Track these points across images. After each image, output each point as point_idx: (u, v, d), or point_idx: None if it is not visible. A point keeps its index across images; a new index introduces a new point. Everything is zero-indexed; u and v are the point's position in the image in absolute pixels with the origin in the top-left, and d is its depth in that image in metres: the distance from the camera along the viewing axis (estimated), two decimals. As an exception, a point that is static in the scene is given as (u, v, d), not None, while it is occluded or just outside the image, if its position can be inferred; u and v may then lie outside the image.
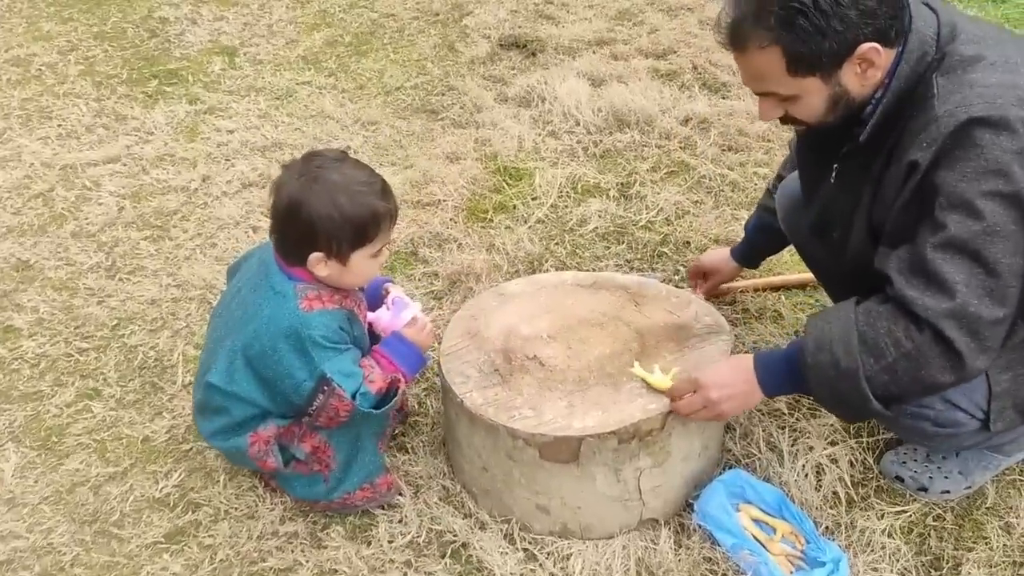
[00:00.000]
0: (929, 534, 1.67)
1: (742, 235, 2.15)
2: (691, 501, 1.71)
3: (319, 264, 1.55)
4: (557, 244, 2.63)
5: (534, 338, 1.78)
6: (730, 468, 1.77)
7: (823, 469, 1.76)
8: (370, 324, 1.74)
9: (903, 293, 1.27)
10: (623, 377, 1.66)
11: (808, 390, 1.41)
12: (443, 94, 3.64)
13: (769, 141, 3.13)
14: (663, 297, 1.90)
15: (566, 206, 2.82)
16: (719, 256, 2.10)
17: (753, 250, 2.06)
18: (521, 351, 1.74)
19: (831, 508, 1.71)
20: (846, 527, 1.67)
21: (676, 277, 2.43)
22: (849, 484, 1.74)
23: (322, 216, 1.50)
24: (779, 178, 1.90)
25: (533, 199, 2.86)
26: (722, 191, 2.85)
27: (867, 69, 1.26)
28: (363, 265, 1.59)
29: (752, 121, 3.24)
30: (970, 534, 1.67)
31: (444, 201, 2.85)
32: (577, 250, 2.60)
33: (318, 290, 1.59)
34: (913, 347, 1.25)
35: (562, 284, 1.97)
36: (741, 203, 2.79)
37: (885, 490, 1.76)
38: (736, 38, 1.31)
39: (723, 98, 3.44)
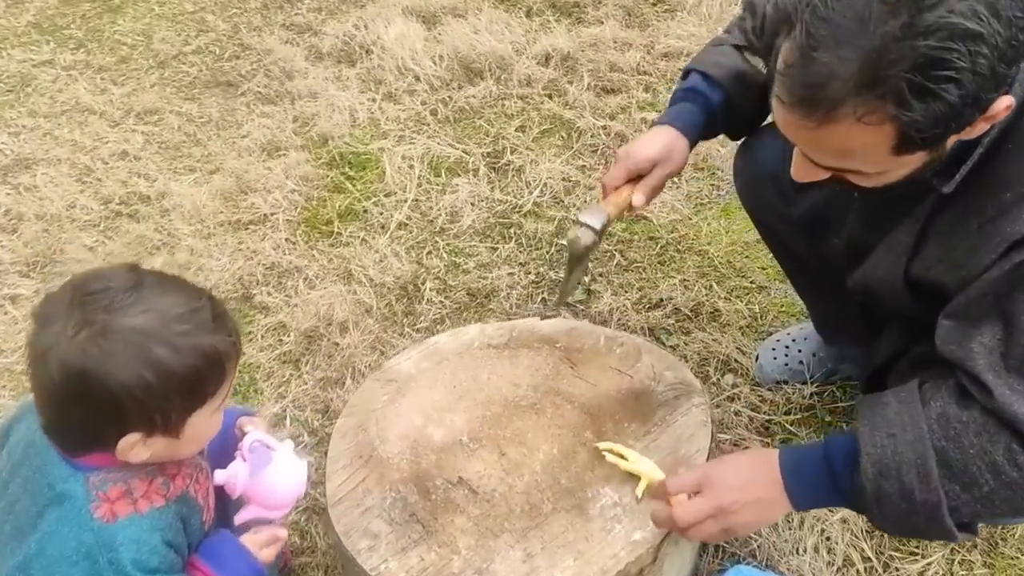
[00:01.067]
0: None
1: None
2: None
3: (135, 447, 1.04)
4: (431, 255, 2.17)
5: (452, 447, 1.35)
6: (726, 561, 1.45)
7: (832, 538, 1.48)
8: (221, 487, 1.23)
9: (1007, 405, 0.94)
10: (586, 491, 1.28)
11: (863, 514, 1.08)
12: (237, 57, 2.97)
13: (647, 74, 2.75)
14: (603, 348, 1.51)
15: (429, 197, 2.34)
16: (660, 139, 1.35)
17: (729, 112, 1.39)
18: (440, 474, 1.31)
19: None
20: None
21: (591, 281, 2.04)
22: (867, 547, 1.46)
23: (130, 386, 0.99)
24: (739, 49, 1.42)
25: (387, 195, 2.35)
26: (612, 152, 2.45)
27: (987, 122, 0.88)
28: (204, 426, 1.10)
29: (623, 51, 2.84)
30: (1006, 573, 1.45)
31: (272, 215, 2.29)
32: (458, 260, 2.15)
33: (125, 480, 1.08)
34: (1020, 475, 0.94)
35: (468, 350, 1.53)
36: (638, 164, 2.41)
37: (902, 544, 1.51)
38: (817, 103, 0.87)
39: (583, 24, 3.01)
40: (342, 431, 1.42)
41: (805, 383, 1.78)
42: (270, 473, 1.20)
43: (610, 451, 1.30)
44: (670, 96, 1.45)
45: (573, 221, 1.32)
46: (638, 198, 1.34)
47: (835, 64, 0.85)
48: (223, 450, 1.27)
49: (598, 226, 1.29)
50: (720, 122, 1.41)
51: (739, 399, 1.77)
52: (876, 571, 1.46)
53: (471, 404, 1.44)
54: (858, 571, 1.45)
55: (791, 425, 1.71)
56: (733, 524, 1.15)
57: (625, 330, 1.95)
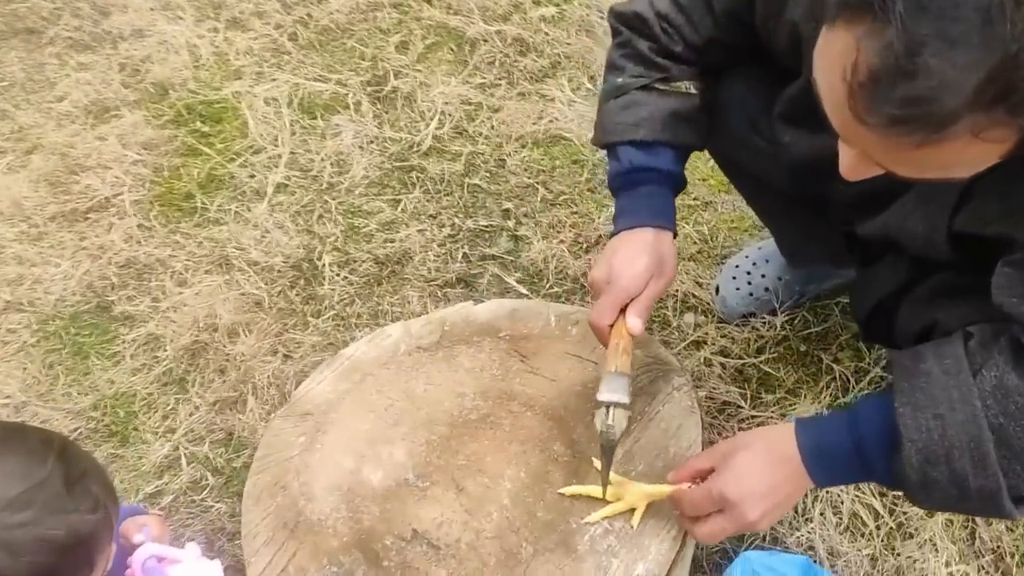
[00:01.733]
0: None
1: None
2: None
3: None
4: (323, 220, 1.88)
5: (397, 491, 1.14)
6: (726, 542, 1.31)
7: (838, 498, 1.36)
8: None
9: None
10: (568, 521, 1.10)
11: (901, 492, 0.95)
12: (33, -5, 2.48)
13: (536, -41, 2.42)
14: (555, 330, 1.30)
15: (307, 148, 2.01)
16: (643, 249, 1.15)
17: (686, 160, 1.26)
18: (389, 531, 1.10)
19: (867, 541, 1.31)
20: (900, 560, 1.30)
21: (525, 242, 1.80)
22: (875, 501, 1.34)
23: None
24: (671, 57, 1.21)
25: (254, 152, 2.02)
26: (514, 63, 2.16)
27: None
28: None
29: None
30: None
31: (116, 198, 1.94)
32: (356, 221, 1.87)
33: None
34: None
35: (394, 358, 1.29)
36: (544, 73, 2.14)
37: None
38: (919, 123, 0.68)
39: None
40: (254, 494, 1.17)
41: (774, 312, 1.61)
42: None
43: (579, 496, 1.11)
44: (607, 181, 1.23)
45: (594, 406, 1.07)
46: (636, 326, 1.12)
47: (949, 73, 0.64)
48: (116, 570, 1.00)
49: (628, 399, 1.06)
50: (683, 178, 1.23)
51: (706, 344, 1.60)
52: (886, 523, 1.34)
53: (411, 429, 1.21)
54: (869, 529, 1.33)
55: (767, 365, 1.55)
56: (759, 530, 1.02)
57: (564, 280, 1.73)
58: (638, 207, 1.20)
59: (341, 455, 1.19)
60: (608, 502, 1.09)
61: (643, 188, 1.20)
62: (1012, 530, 1.33)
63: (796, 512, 1.34)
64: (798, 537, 1.32)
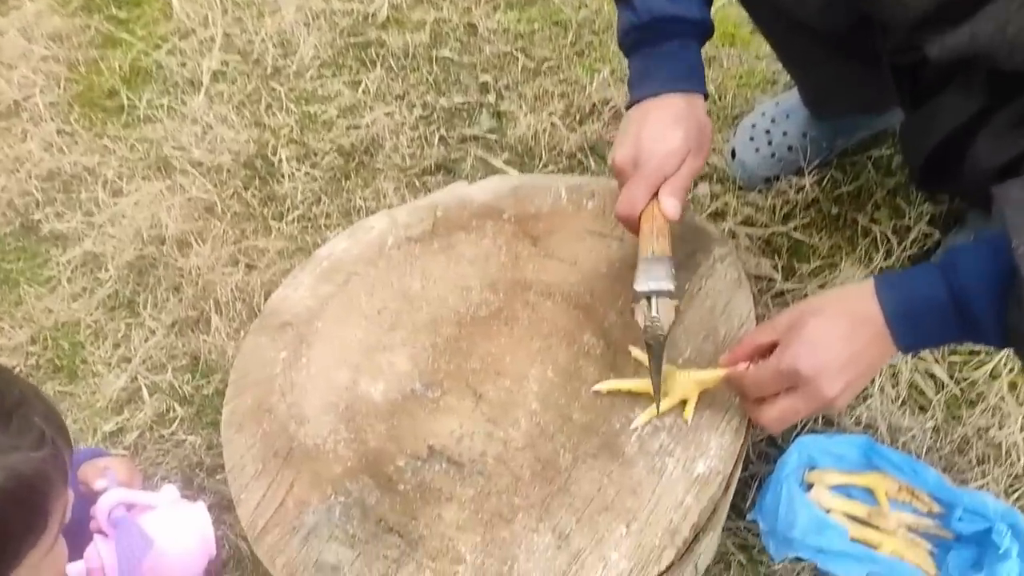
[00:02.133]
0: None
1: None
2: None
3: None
4: (272, 110, 1.67)
5: (405, 404, 1.00)
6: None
7: (896, 368, 1.24)
8: None
9: None
10: (611, 422, 0.97)
11: (1018, 351, 0.82)
12: None
13: None
14: (567, 206, 1.16)
15: (243, 26, 1.78)
16: (674, 118, 0.99)
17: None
18: (400, 450, 0.95)
19: (929, 413, 1.20)
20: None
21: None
22: (934, 364, 1.23)
23: None
24: None
25: (182, 37, 1.78)
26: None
27: None
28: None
29: None
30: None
31: (27, 100, 1.69)
32: (312, 109, 1.67)
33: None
34: None
35: (382, 253, 1.12)
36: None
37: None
38: None
39: None
40: (234, 422, 1.01)
41: (800, 173, 1.46)
42: (155, 556, 0.79)
43: (619, 391, 0.96)
44: (618, 37, 1.04)
45: (633, 299, 0.91)
46: (673, 209, 0.95)
47: None
48: (76, 526, 0.84)
49: (672, 285, 0.90)
50: (711, 26, 1.05)
51: (727, 215, 1.45)
52: (947, 388, 1.23)
53: (411, 332, 1.05)
54: (930, 400, 1.21)
55: (797, 232, 1.41)
56: (837, 408, 0.88)
57: (559, 157, 1.55)
58: (662, 68, 1.02)
59: (333, 369, 1.03)
60: (654, 401, 0.95)
61: (666, 44, 1.01)
62: (1084, 388, 1.23)
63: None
64: (855, 416, 1.20)
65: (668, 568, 0.87)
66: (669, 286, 0.89)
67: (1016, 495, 1.14)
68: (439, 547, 0.90)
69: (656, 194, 0.96)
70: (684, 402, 0.95)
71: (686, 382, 0.94)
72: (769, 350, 0.89)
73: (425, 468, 0.95)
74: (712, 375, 0.93)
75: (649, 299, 0.89)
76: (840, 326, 0.86)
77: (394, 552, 0.90)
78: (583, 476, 0.92)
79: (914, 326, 0.84)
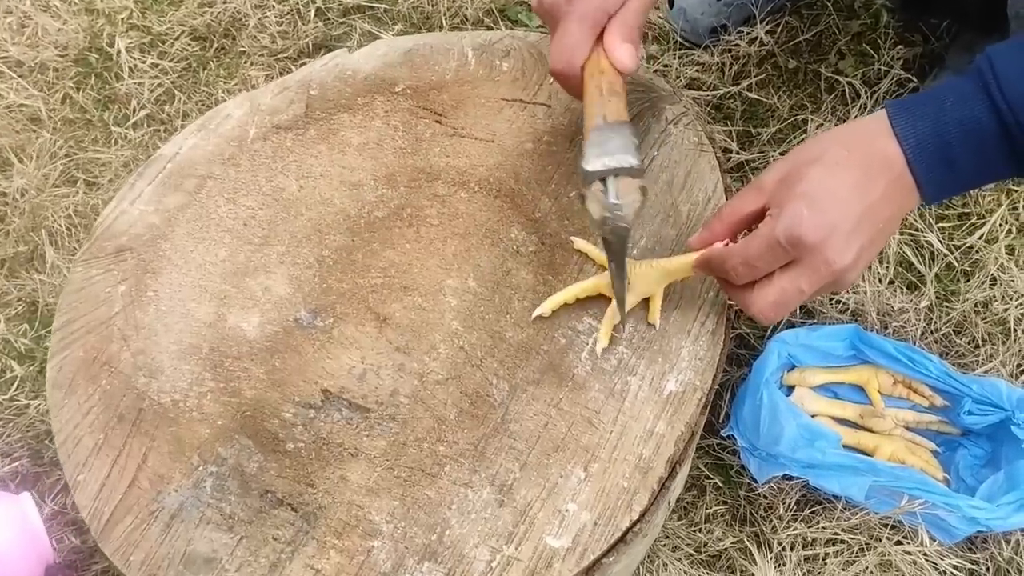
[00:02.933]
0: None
1: None
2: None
3: None
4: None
5: (287, 340, 0.82)
6: (742, 325, 1.03)
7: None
8: None
9: None
10: (554, 336, 0.81)
11: None
12: None
13: None
14: (475, 69, 0.95)
15: None
16: None
17: None
18: (285, 398, 0.77)
19: (921, 292, 1.06)
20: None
21: None
22: (925, 230, 1.08)
23: None
24: None
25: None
26: None
27: None
28: None
29: None
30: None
31: None
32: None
33: None
34: None
35: (241, 147, 0.91)
36: None
37: (947, 206, 1.14)
38: None
39: None
40: (62, 382, 0.79)
41: (751, 22, 1.27)
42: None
43: (567, 303, 0.77)
44: None
45: (582, 183, 0.69)
46: (627, 56, 0.72)
47: None
48: None
49: (636, 159, 0.68)
50: None
51: (669, 75, 1.25)
52: (937, 252, 1.08)
53: (289, 247, 0.83)
54: (921, 274, 1.07)
55: (752, 93, 1.23)
56: (850, 280, 0.70)
57: (464, 25, 1.32)
58: None
59: (190, 301, 0.81)
60: (613, 307, 0.77)
61: None
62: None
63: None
64: (840, 303, 1.04)
65: (642, 515, 0.70)
66: (631, 160, 0.68)
67: (1028, 377, 1.01)
68: (345, 519, 0.71)
69: (600, 38, 0.74)
70: (647, 301, 0.77)
71: (647, 275, 0.75)
72: (755, 220, 0.71)
73: (320, 418, 0.75)
74: (682, 262, 0.74)
75: (605, 181, 0.69)
76: (848, 174, 0.68)
77: (287, 531, 0.71)
78: (524, 410, 0.74)
79: (946, 163, 0.67)
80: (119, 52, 1.34)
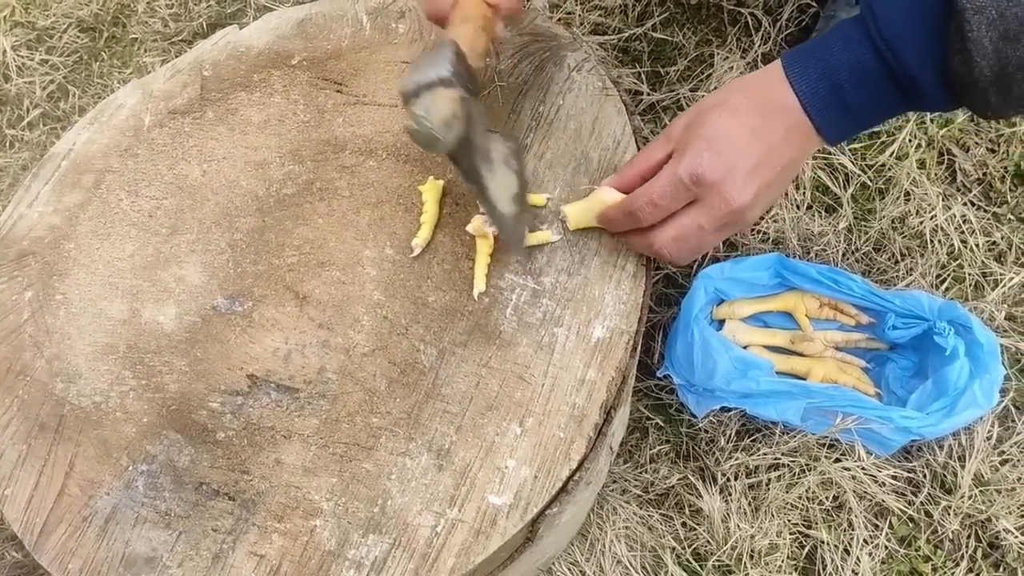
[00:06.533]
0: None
1: None
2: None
3: None
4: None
5: (206, 330, 0.81)
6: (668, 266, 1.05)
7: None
8: None
9: None
10: (476, 291, 0.76)
11: (968, 106, 0.67)
12: None
13: None
14: (371, 34, 0.94)
15: None
16: None
17: None
18: (210, 387, 0.77)
19: (839, 214, 1.08)
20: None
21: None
22: (849, 162, 1.10)
23: None
24: None
25: None
26: None
27: None
28: None
29: None
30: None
31: None
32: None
33: None
34: None
35: (139, 139, 0.88)
36: None
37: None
38: None
39: None
40: (-21, 398, 0.76)
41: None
42: None
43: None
44: None
45: (403, 104, 0.66)
46: None
47: None
48: None
49: (448, 70, 0.65)
50: None
51: (571, 26, 1.24)
52: (851, 174, 1.11)
53: (199, 234, 0.82)
54: (837, 197, 1.09)
55: (657, 32, 1.23)
56: (750, 219, 0.72)
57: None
58: None
59: (101, 300, 0.79)
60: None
61: None
62: (994, 150, 1.13)
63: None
64: (761, 233, 1.05)
65: (581, 463, 0.70)
66: (440, 72, 0.66)
67: (946, 286, 1.04)
68: (285, 501, 0.70)
69: None
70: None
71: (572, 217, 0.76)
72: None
73: (249, 404, 0.74)
74: (596, 200, 0.75)
75: (415, 97, 0.66)
76: (747, 119, 0.69)
77: (226, 521, 0.70)
78: (455, 372, 0.74)
79: (841, 105, 0.68)
80: (4, 51, 1.28)
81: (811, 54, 0.69)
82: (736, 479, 0.96)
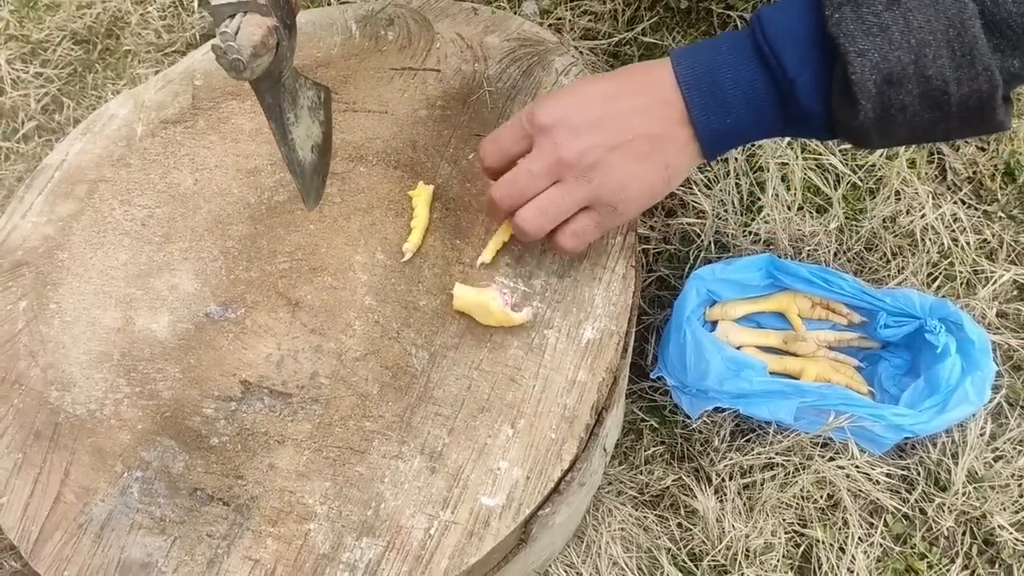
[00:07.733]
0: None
1: None
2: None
3: None
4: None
5: (199, 337, 0.82)
6: (659, 265, 1.05)
7: (790, 168, 1.11)
8: None
9: None
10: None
11: (848, 140, 0.68)
12: None
13: None
14: (360, 41, 0.95)
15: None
16: None
17: None
18: (203, 394, 0.77)
19: (830, 214, 1.09)
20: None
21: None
22: (840, 163, 1.11)
23: None
24: None
25: None
26: None
27: None
28: None
29: None
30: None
31: None
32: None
33: None
34: None
35: (132, 149, 0.89)
36: None
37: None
38: None
39: None
40: (-26, 408, 0.77)
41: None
42: None
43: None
44: None
45: (211, 12, 0.62)
46: None
47: None
48: None
49: None
50: None
51: (562, 31, 1.25)
52: (842, 174, 1.12)
53: (192, 241, 0.82)
54: (827, 197, 1.09)
55: (647, 37, 1.24)
56: (621, 219, 0.72)
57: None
58: None
59: (95, 309, 0.80)
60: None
61: None
62: (984, 148, 1.13)
63: (742, 205, 1.08)
64: (753, 234, 1.06)
65: (572, 464, 0.71)
66: None
67: (937, 284, 1.04)
68: (279, 506, 0.71)
69: None
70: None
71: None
72: None
73: (242, 410, 0.75)
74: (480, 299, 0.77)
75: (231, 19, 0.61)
76: (603, 83, 0.70)
77: (221, 526, 0.71)
78: (446, 375, 0.75)
79: (713, 92, 0.67)
80: (-1, 65, 1.29)
81: (700, 47, 0.69)
82: (731, 479, 0.96)
